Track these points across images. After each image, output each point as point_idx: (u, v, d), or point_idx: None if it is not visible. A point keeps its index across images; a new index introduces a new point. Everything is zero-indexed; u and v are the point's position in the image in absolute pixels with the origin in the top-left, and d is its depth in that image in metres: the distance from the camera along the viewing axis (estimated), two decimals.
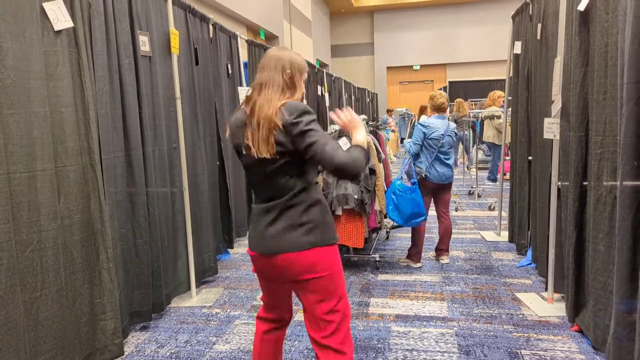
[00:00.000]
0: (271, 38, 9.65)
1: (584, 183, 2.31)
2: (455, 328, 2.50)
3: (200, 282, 3.22)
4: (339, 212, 3.34)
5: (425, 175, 3.34)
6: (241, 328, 2.59)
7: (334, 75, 8.82)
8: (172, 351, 2.35)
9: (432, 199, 3.48)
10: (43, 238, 1.84)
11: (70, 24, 1.98)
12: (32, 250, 1.80)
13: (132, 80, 2.48)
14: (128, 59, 2.45)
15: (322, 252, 1.43)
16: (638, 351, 1.68)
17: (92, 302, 2.11)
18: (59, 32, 1.94)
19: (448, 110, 3.52)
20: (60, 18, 1.93)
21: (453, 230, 4.14)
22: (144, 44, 2.60)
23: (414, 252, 3.50)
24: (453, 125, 3.43)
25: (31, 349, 1.79)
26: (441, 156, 3.34)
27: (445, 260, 3.59)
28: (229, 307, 2.88)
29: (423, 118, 9.57)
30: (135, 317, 2.56)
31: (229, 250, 3.99)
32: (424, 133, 3.32)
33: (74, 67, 2.03)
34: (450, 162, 3.41)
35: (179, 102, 2.88)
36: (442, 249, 3.58)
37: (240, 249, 4.14)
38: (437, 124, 3.33)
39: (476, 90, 11.39)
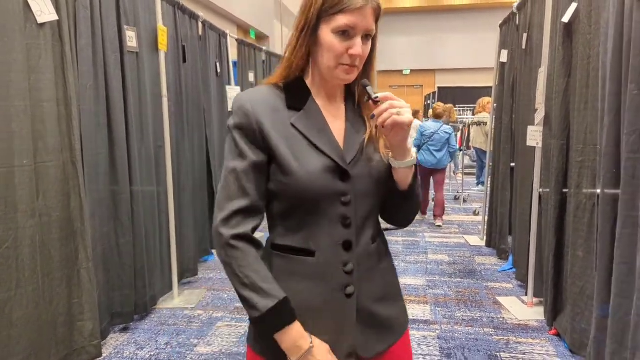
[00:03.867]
0: (262, 38, 9.61)
1: (564, 190, 2.36)
2: (437, 331, 2.52)
3: (180, 284, 3.17)
4: None
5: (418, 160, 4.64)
6: (223, 330, 2.56)
7: None
8: (152, 353, 2.31)
9: (430, 179, 4.89)
10: (20, 235, 1.79)
11: (54, 17, 1.93)
12: (8, 247, 1.75)
13: (117, 76, 2.44)
14: (114, 55, 2.41)
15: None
16: (609, 355, 1.72)
17: (70, 302, 2.06)
18: (43, 24, 1.89)
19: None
20: (44, 10, 1.89)
21: (438, 234, 4.61)
22: (131, 39, 2.56)
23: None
24: (445, 127, 4.75)
25: (3, 349, 1.74)
26: (430, 147, 4.72)
27: (438, 223, 4.85)
28: (211, 309, 2.85)
29: (415, 122, 9.69)
30: (116, 318, 2.50)
31: (213, 251, 3.94)
32: (421, 132, 4.78)
33: (57, 61, 1.98)
34: (439, 154, 4.71)
35: (165, 100, 2.84)
36: (436, 214, 4.88)
37: None
38: (430, 126, 4.82)
39: (465, 96, 11.52)
